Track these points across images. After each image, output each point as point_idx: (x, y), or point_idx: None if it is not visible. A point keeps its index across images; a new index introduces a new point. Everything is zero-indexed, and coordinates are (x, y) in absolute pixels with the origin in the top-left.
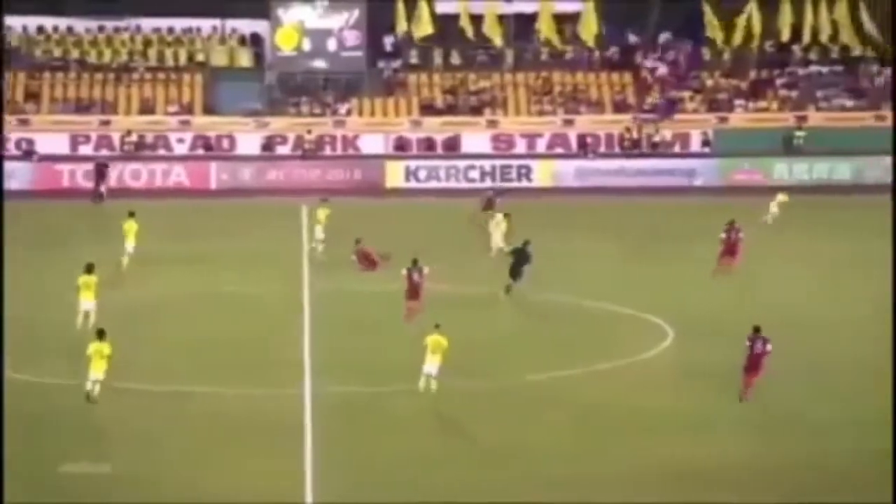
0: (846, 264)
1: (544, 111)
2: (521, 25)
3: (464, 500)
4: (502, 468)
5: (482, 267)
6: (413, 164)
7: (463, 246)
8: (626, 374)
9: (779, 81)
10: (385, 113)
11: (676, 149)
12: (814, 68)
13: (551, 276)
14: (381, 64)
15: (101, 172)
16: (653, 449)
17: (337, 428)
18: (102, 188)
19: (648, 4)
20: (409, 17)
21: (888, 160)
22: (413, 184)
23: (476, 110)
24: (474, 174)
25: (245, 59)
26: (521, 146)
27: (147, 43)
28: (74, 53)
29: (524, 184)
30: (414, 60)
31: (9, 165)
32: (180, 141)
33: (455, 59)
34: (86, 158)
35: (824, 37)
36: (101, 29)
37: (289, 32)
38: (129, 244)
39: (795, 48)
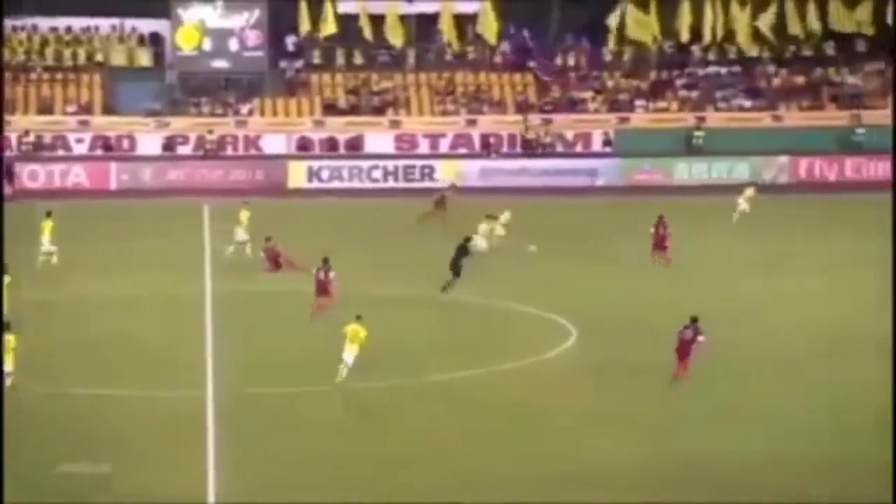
0: (749, 262)
1: (447, 111)
2: (423, 26)
3: (368, 501)
4: (406, 468)
5: (388, 266)
6: (316, 164)
7: (366, 246)
8: (528, 373)
9: (678, 82)
10: (287, 113)
11: (578, 149)
12: (712, 69)
13: None
14: (283, 64)
15: (9, 172)
16: (555, 448)
17: (240, 429)
18: (8, 189)
19: (549, 5)
20: (312, 17)
21: (784, 159)
22: (316, 184)
23: (379, 110)
24: (377, 174)
25: (145, 58)
26: (424, 146)
27: (44, 42)
28: None
29: (427, 184)
30: (316, 60)
31: None
32: (79, 141)
33: (358, 59)
34: None
35: (720, 37)
36: None
37: (189, 32)
38: (46, 242)
39: (695, 49)
